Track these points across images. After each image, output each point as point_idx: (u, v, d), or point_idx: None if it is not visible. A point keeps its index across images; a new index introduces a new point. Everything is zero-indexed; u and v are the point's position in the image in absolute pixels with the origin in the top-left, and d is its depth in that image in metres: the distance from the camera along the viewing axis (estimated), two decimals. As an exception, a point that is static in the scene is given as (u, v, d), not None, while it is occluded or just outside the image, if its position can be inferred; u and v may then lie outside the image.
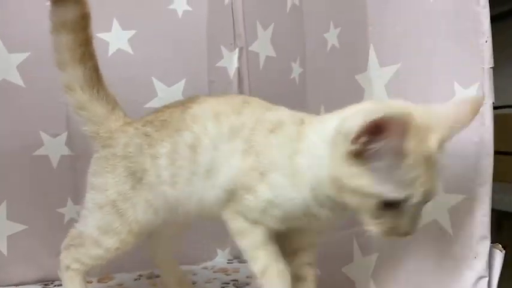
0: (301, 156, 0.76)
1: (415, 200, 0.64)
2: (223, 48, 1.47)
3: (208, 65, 1.44)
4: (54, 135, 1.30)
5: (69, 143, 1.31)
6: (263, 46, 1.41)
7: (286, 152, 0.78)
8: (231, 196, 0.84)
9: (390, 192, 0.64)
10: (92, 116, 1.00)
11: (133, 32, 1.34)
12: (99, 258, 0.98)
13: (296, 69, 1.22)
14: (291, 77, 1.25)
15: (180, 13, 1.39)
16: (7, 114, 1.26)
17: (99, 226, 0.95)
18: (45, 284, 1.27)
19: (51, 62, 1.26)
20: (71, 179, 1.31)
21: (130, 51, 1.34)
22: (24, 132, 1.27)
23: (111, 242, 0.95)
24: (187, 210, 0.91)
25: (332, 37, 1.08)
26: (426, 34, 0.87)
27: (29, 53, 1.23)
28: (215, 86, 1.45)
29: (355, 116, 0.66)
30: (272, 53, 1.37)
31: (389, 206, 0.65)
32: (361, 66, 0.97)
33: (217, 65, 1.46)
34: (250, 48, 1.46)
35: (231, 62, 1.48)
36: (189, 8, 1.40)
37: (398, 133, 0.61)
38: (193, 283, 1.25)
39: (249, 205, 0.82)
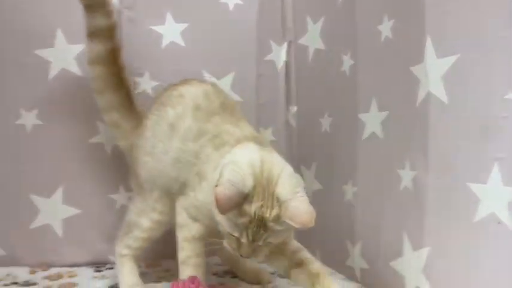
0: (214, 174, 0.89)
1: (243, 239, 0.85)
2: (272, 42, 1.47)
3: (257, 59, 1.45)
4: (109, 124, 1.35)
5: (122, 131, 1.36)
6: (312, 39, 1.40)
7: (213, 166, 0.93)
8: (182, 189, 1.01)
9: (231, 229, 0.86)
10: (122, 133, 1.18)
11: (185, 25, 1.37)
12: (140, 239, 1.10)
13: (347, 62, 1.21)
14: (341, 69, 1.24)
15: (231, 6, 1.41)
16: (65, 102, 1.32)
17: (137, 209, 1.10)
18: (97, 267, 1.31)
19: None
20: (123, 167, 1.35)
21: (182, 43, 1.37)
22: (81, 120, 1.33)
23: (144, 222, 1.08)
24: (164, 184, 1.04)
25: (386, 29, 1.07)
26: (486, 24, 0.85)
27: (87, 44, 1.28)
28: (263, 79, 1.46)
29: (218, 185, 0.83)
30: (321, 46, 1.37)
31: (233, 235, 0.86)
32: (417, 57, 0.95)
33: (265, 58, 1.47)
34: (299, 42, 1.46)
35: (279, 55, 1.49)
36: (239, 2, 1.42)
37: (237, 204, 0.82)
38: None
39: (190, 201, 0.99)
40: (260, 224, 0.83)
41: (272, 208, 0.83)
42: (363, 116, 1.15)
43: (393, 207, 1.04)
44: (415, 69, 0.97)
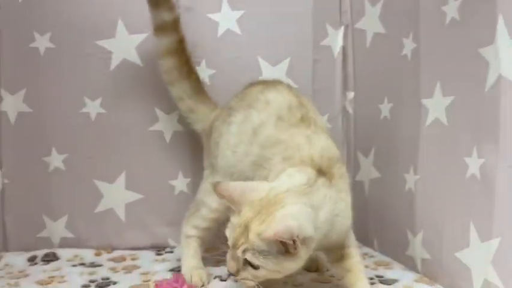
0: None
1: (229, 240, 0.87)
2: (328, 26, 1.44)
3: (313, 44, 1.43)
4: (168, 112, 1.38)
5: (181, 119, 1.38)
6: (371, 23, 1.36)
7: (274, 175, 0.95)
8: None
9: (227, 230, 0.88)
10: (199, 116, 1.23)
11: (241, 12, 1.37)
12: (208, 219, 1.12)
13: (408, 45, 1.17)
14: (402, 53, 1.20)
15: (286, -8, 1.39)
16: (126, 91, 1.36)
17: (207, 189, 1.11)
18: (158, 250, 1.36)
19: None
20: (182, 154, 1.39)
21: (238, 31, 1.37)
22: (142, 108, 1.37)
23: (210, 201, 1.10)
24: (237, 178, 1.05)
25: (451, 9, 1.01)
26: None
27: (147, 34, 1.31)
28: (319, 65, 1.44)
29: None
30: (381, 30, 1.33)
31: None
32: (487, 38, 0.90)
33: (321, 43, 1.44)
34: (356, 26, 1.43)
35: (336, 40, 1.45)
36: (295, -13, 1.40)
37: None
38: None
39: None
40: (244, 231, 0.83)
41: (262, 223, 0.82)
42: (426, 102, 1.10)
43: (458, 196, 1.00)
44: (484, 51, 0.92)
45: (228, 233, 0.88)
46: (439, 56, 1.07)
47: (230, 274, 0.88)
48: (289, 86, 1.13)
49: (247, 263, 0.84)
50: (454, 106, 1.03)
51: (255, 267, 0.84)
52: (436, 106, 1.07)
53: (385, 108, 1.30)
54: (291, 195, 0.86)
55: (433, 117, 1.08)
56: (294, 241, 0.80)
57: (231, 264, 0.87)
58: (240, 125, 1.07)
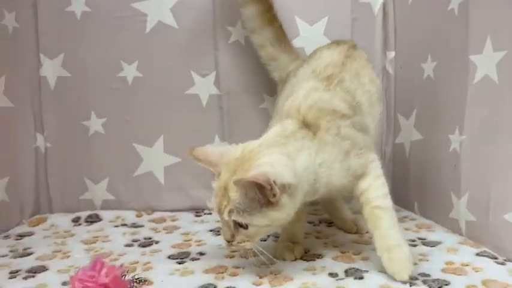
0: None
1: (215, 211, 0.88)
2: (368, -18, 1.38)
3: (351, 1, 1.37)
4: (204, 75, 1.37)
5: (217, 82, 1.37)
6: (414, -23, 1.29)
7: None
8: None
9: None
10: (280, 64, 1.22)
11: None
12: None
13: (456, -1, 1.11)
14: (448, 8, 1.13)
15: None
16: (162, 54, 1.35)
17: None
18: (197, 212, 1.38)
19: (201, 4, 1.33)
20: (218, 117, 1.38)
21: (275, -11, 1.33)
22: (178, 71, 1.36)
23: None
24: None
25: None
26: None
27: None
28: (358, 23, 1.39)
29: None
30: (425, -16, 1.26)
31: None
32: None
33: (360, 0, 1.38)
34: (397, -18, 1.36)
35: (376, -3, 1.39)
36: None
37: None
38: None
39: None
40: (225, 193, 0.83)
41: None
42: (474, 58, 1.05)
43: (508, 157, 0.96)
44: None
45: (211, 201, 0.88)
46: (489, 9, 1.01)
47: (228, 242, 0.87)
48: (350, 48, 1.10)
49: (237, 224, 0.85)
50: (506, 62, 0.97)
51: (245, 227, 0.84)
52: (486, 62, 1.01)
53: (429, 67, 1.25)
54: (265, 147, 0.87)
55: (482, 74, 1.03)
56: (271, 187, 0.79)
57: (224, 231, 0.87)
58: (295, 77, 1.08)
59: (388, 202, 0.93)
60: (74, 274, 0.79)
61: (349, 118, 0.95)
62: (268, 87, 1.36)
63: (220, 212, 0.85)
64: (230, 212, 0.83)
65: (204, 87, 1.37)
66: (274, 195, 0.81)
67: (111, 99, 1.36)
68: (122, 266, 0.82)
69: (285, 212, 0.84)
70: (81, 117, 1.37)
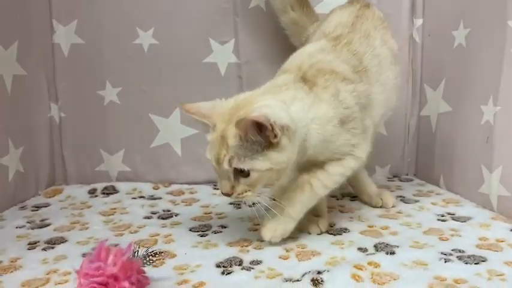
0: None
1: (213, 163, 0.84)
2: None
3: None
4: (222, 43, 1.32)
5: (236, 50, 1.32)
6: None
7: None
8: None
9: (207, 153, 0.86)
10: (300, 29, 1.20)
11: None
12: None
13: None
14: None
15: None
16: (179, 20, 1.30)
17: None
18: (215, 184, 1.34)
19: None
20: (237, 87, 1.33)
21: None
22: (195, 39, 1.31)
23: None
24: None
25: None
26: None
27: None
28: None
29: None
30: None
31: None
32: None
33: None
34: None
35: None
36: None
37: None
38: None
39: None
40: (222, 142, 0.81)
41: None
42: (513, 23, 0.99)
43: (548, 129, 0.91)
44: None
45: (208, 154, 0.85)
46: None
47: (226, 195, 0.84)
48: (362, 7, 1.06)
49: (237, 173, 0.82)
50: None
51: (246, 174, 0.81)
52: (526, 28, 0.96)
53: (460, 34, 1.18)
54: (259, 95, 0.87)
55: (521, 41, 0.97)
56: (272, 127, 0.77)
57: (223, 184, 0.84)
58: (311, 36, 1.08)
59: (320, 191, 0.92)
60: (78, 268, 0.69)
61: (352, 83, 0.92)
62: (289, 56, 1.30)
63: (219, 163, 0.82)
64: (230, 160, 0.81)
65: (222, 55, 1.32)
66: (275, 136, 0.79)
67: (127, 68, 1.32)
68: (130, 245, 0.72)
69: (285, 155, 0.82)
70: (96, 87, 1.33)
